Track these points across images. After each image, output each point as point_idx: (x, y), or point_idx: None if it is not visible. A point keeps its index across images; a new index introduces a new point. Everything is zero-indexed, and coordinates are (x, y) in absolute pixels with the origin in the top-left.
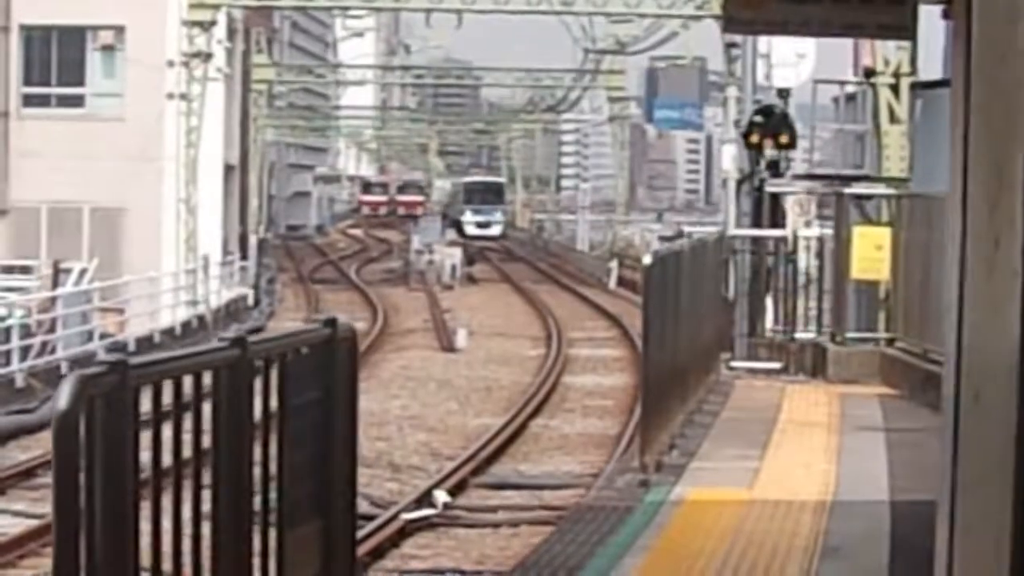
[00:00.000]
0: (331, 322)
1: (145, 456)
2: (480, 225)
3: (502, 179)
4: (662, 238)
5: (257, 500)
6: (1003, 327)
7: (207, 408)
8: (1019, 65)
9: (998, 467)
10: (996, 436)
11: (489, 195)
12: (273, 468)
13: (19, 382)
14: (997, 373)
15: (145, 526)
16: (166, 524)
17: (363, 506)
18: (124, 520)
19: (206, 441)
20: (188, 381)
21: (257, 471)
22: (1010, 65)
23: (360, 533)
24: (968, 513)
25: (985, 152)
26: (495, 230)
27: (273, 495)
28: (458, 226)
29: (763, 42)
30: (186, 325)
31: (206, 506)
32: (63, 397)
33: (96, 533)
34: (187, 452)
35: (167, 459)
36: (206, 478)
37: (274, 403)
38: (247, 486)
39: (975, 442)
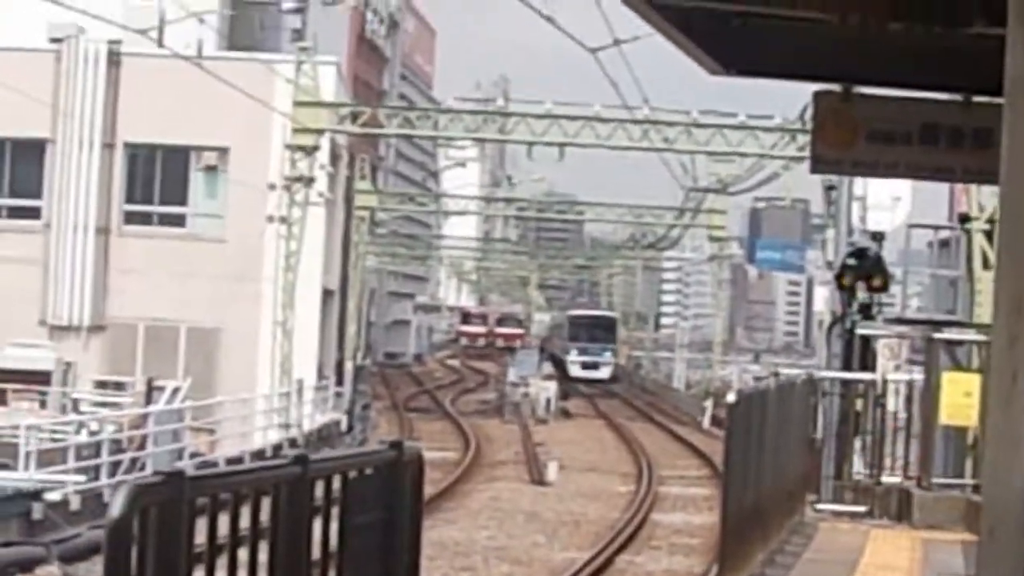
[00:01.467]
0: (397, 444)
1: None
2: (587, 366)
3: (614, 314)
4: (757, 379)
5: None
6: (1018, 463)
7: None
8: None
9: None
10: (1007, 572)
11: (598, 331)
12: None
13: (107, 497)
14: (1010, 509)
15: None
16: None
17: None
18: None
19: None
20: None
21: None
22: None
23: None
24: None
25: (1007, 287)
26: (603, 372)
27: None
28: (560, 365)
29: (860, 185)
30: (277, 448)
31: None
32: (117, 505)
33: None
34: (244, 567)
35: (222, 574)
36: None
37: (336, 524)
38: None
39: None
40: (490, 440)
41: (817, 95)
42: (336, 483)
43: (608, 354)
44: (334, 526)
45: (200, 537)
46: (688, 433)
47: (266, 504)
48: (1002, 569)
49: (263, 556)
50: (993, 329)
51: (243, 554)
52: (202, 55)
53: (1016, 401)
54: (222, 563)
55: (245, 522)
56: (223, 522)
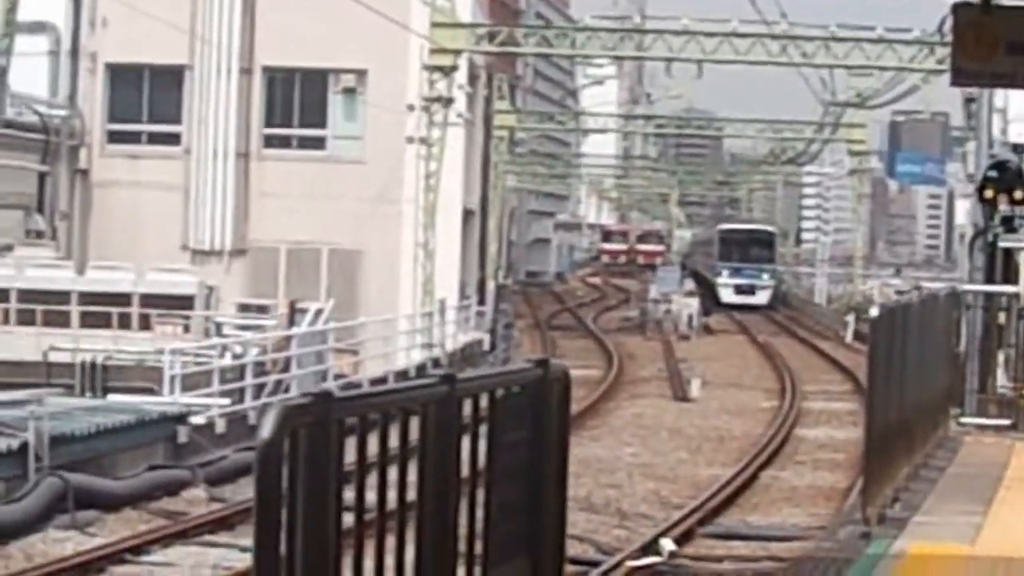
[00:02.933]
0: (543, 362)
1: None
2: (741, 290)
3: (772, 228)
4: (899, 292)
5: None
6: None
7: (415, 444)
8: None
9: None
10: None
11: (755, 249)
12: (481, 508)
13: (252, 419)
14: None
15: (347, 561)
16: (368, 564)
17: (588, 552)
18: (326, 557)
19: (412, 476)
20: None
21: (465, 508)
22: None
23: None
24: None
25: None
26: (761, 297)
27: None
28: (708, 287)
29: (1000, 97)
30: (420, 368)
31: (411, 547)
32: (267, 427)
33: (296, 570)
34: (393, 490)
35: (372, 494)
36: (412, 516)
37: (483, 442)
38: (453, 525)
39: None
40: (633, 357)
41: (957, 8)
42: (483, 402)
43: (766, 276)
44: (482, 444)
45: (349, 456)
46: (830, 348)
47: (414, 423)
48: None
49: (412, 475)
50: None
51: (392, 473)
52: None
53: None
54: (371, 482)
55: (393, 441)
56: (372, 442)
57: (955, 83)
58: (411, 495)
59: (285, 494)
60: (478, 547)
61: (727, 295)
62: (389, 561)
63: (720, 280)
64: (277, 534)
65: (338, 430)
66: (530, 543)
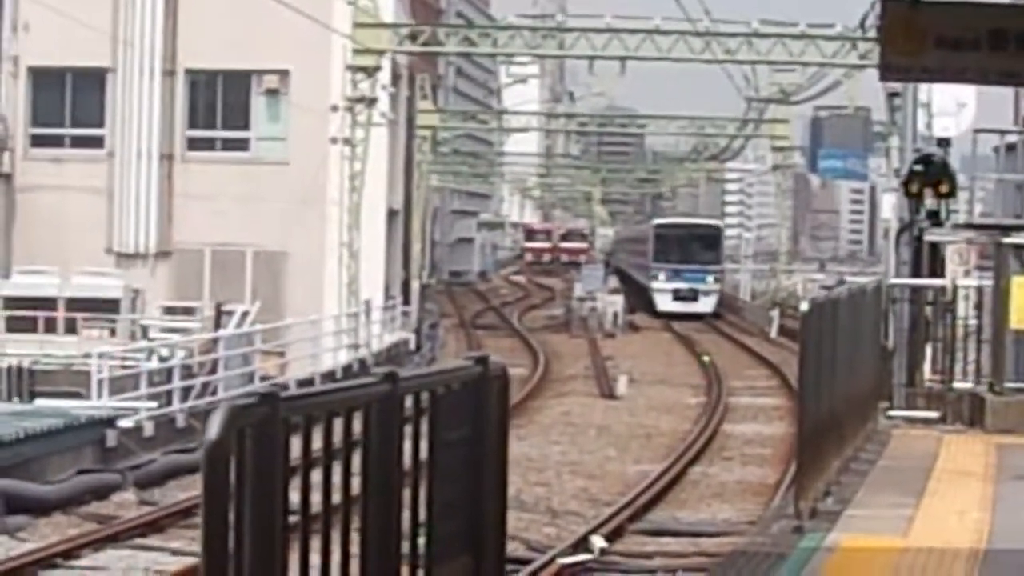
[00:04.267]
0: (482, 360)
1: (294, 490)
2: (681, 296)
3: (717, 222)
4: (824, 287)
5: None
6: None
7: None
8: None
9: None
10: None
11: (697, 247)
12: (423, 503)
13: (180, 422)
14: None
15: (294, 557)
16: (314, 560)
17: (520, 550)
18: (273, 554)
19: (356, 475)
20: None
21: (407, 506)
22: None
23: None
24: None
25: None
26: (705, 305)
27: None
28: (634, 285)
29: (924, 91)
30: (347, 369)
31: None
32: (214, 427)
33: (244, 568)
34: (337, 486)
35: (316, 492)
36: (356, 512)
37: (424, 439)
38: (397, 521)
39: None
40: (559, 355)
41: (885, 3)
42: (425, 400)
43: (711, 279)
44: (424, 441)
45: (295, 453)
46: (756, 344)
47: (358, 420)
48: None
49: (355, 471)
50: None
51: (337, 471)
52: None
53: None
54: (316, 479)
55: (337, 438)
56: (316, 438)
57: (884, 78)
58: (355, 490)
59: (232, 492)
60: (421, 544)
61: (664, 302)
62: (335, 557)
63: (655, 284)
64: (225, 532)
65: (284, 429)
66: (472, 541)
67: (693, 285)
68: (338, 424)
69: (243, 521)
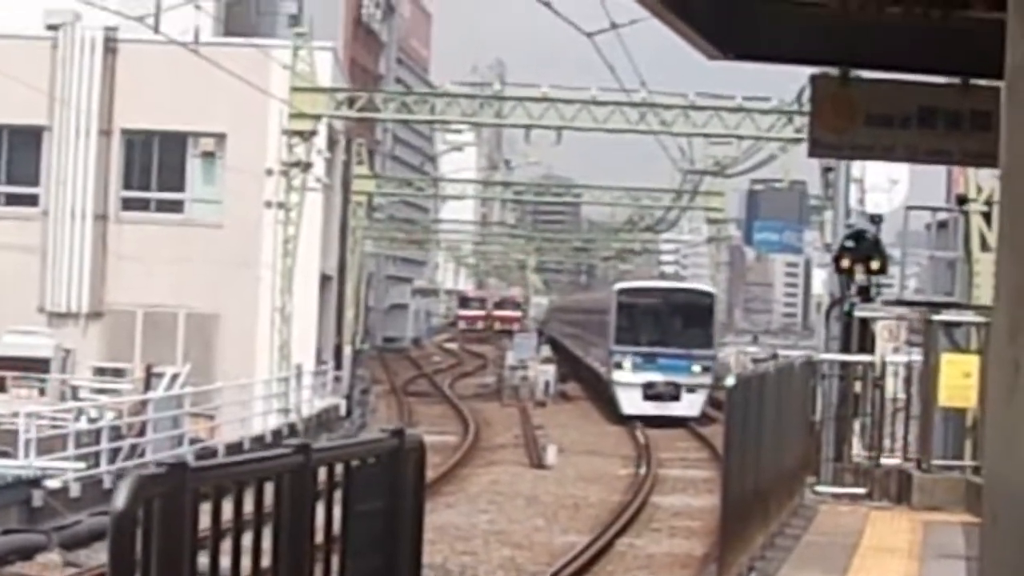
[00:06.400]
0: (398, 432)
1: (203, 561)
2: (655, 394)
3: (710, 288)
4: (756, 361)
5: None
6: (1021, 451)
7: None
8: None
9: None
10: (1010, 560)
11: (677, 322)
12: None
13: (107, 483)
14: (1014, 498)
15: None
16: None
17: None
18: None
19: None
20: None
21: None
22: None
23: None
24: None
25: (1008, 276)
26: (687, 407)
27: None
28: (598, 383)
29: (857, 167)
30: (276, 433)
31: None
32: (121, 497)
33: None
34: (247, 558)
35: (226, 565)
36: None
37: (338, 511)
38: None
39: (994, 566)
40: (489, 423)
41: (815, 79)
42: (339, 470)
43: (698, 367)
44: (337, 512)
45: (204, 521)
46: None
47: (269, 489)
48: (1006, 555)
49: (267, 543)
50: (994, 319)
51: (247, 540)
52: (198, 41)
53: (1019, 392)
54: (226, 548)
55: (248, 507)
56: (226, 508)
57: (812, 154)
58: (266, 562)
59: (139, 562)
60: None
61: (630, 402)
62: None
63: (619, 376)
64: None
65: (192, 499)
66: None
67: (673, 378)
68: (250, 495)
69: None
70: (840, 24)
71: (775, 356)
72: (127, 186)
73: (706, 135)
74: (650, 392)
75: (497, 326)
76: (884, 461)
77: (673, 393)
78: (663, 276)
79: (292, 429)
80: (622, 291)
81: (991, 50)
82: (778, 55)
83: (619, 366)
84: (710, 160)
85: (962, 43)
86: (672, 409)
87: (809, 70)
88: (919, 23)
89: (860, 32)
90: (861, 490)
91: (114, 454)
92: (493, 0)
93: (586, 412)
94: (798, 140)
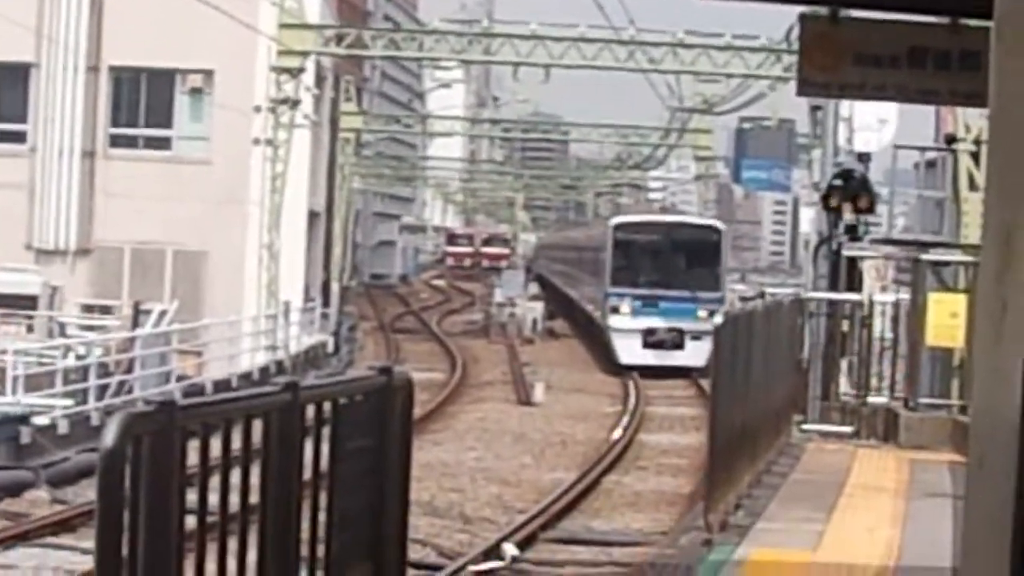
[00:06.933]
0: (387, 370)
1: (192, 498)
2: (655, 341)
3: (718, 224)
4: (743, 299)
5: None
6: (1007, 392)
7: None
8: None
9: (997, 534)
10: (995, 502)
11: (680, 261)
12: (324, 513)
13: (95, 421)
14: (999, 439)
15: (189, 566)
16: (211, 567)
17: (431, 556)
18: (167, 561)
19: (255, 484)
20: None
21: (306, 516)
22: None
23: None
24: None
25: (996, 215)
26: (693, 356)
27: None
28: (592, 329)
29: (845, 106)
30: (264, 370)
31: (253, 551)
32: (109, 435)
33: (138, 571)
34: (236, 495)
35: (214, 501)
36: (254, 523)
37: (326, 449)
38: (296, 529)
39: (979, 507)
40: (477, 361)
41: (804, 18)
42: (327, 407)
43: (703, 312)
44: (325, 450)
45: (192, 459)
46: None
47: (258, 427)
48: (992, 497)
49: (255, 480)
50: (982, 259)
51: (235, 478)
52: None
53: (1006, 332)
54: (214, 486)
55: (236, 445)
56: (215, 446)
57: (801, 93)
58: (255, 499)
59: (128, 499)
60: (321, 552)
61: (628, 350)
62: (231, 564)
63: (615, 322)
64: (119, 539)
65: (181, 437)
66: (372, 549)
67: (676, 323)
68: (238, 432)
69: (138, 527)
70: None
71: (762, 295)
72: (115, 123)
73: (694, 73)
74: (651, 339)
75: (485, 263)
76: (871, 400)
77: (676, 340)
78: (664, 210)
79: (280, 366)
80: (619, 226)
81: None
82: None
83: (616, 310)
84: (698, 98)
85: None
86: (675, 359)
87: (798, 9)
88: None
89: None
90: (848, 429)
91: (102, 391)
92: None
93: (573, 349)
94: (787, 78)
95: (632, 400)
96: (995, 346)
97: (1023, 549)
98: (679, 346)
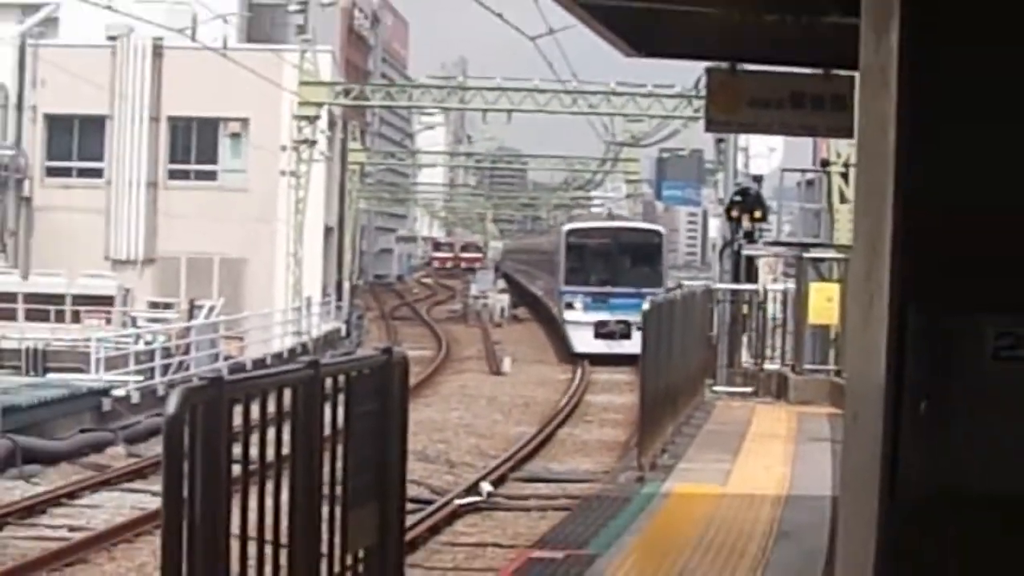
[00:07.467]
0: (387, 350)
1: (237, 451)
2: (606, 332)
3: (659, 228)
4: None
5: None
6: (875, 364)
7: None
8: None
9: (869, 472)
10: (867, 448)
11: (626, 261)
12: (340, 462)
13: (159, 392)
14: (869, 398)
15: (235, 504)
16: (252, 504)
17: (424, 493)
18: (219, 501)
19: (286, 440)
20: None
21: (327, 465)
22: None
23: (419, 515)
24: (850, 506)
25: (864, 229)
26: (638, 345)
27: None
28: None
29: (743, 138)
30: (291, 351)
31: (285, 492)
32: (172, 404)
33: (196, 512)
34: (271, 449)
35: (254, 454)
36: (286, 470)
37: (340, 412)
38: (319, 477)
39: (854, 452)
40: (457, 341)
41: (709, 71)
42: (341, 380)
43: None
44: (340, 413)
45: (237, 420)
46: None
47: (287, 395)
48: (863, 442)
49: (285, 437)
50: (853, 263)
51: (270, 435)
52: (227, 47)
53: (872, 319)
54: (254, 441)
55: (271, 409)
56: (254, 411)
57: (708, 130)
58: (286, 452)
59: (187, 453)
60: (338, 492)
61: (581, 340)
62: (268, 502)
63: (569, 315)
64: (180, 484)
65: (227, 404)
66: (378, 489)
67: (623, 316)
68: (272, 400)
69: (195, 475)
70: (729, 27)
71: (680, 286)
72: (172, 160)
73: (624, 115)
74: (601, 331)
75: (463, 265)
76: (766, 367)
77: (624, 331)
78: (611, 216)
79: (304, 348)
80: (571, 231)
81: (847, 48)
82: (680, 53)
83: (570, 306)
84: (627, 134)
85: (824, 42)
86: (623, 347)
87: (704, 64)
88: (791, 27)
89: (744, 34)
90: (748, 389)
91: (165, 369)
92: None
93: (533, 331)
94: (696, 118)
95: (580, 370)
96: (864, 329)
97: (890, 482)
98: (627, 336)
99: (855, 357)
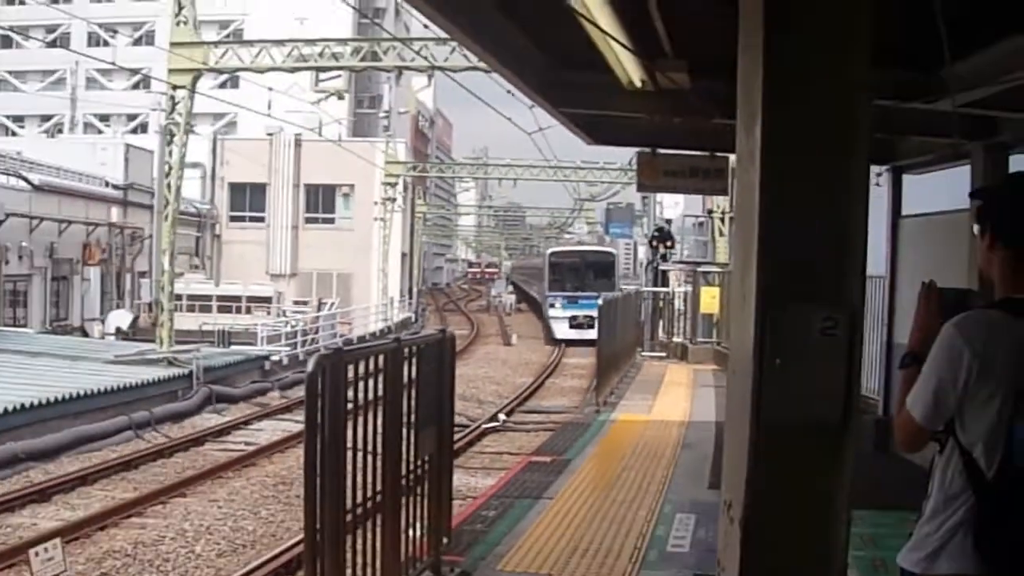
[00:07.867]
0: (442, 331)
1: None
2: (577, 324)
3: (611, 248)
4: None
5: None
6: (746, 338)
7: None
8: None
9: (743, 406)
10: (742, 391)
11: (591, 274)
12: (413, 401)
13: (300, 357)
14: (743, 359)
15: (349, 426)
16: (359, 428)
17: (463, 420)
18: (342, 425)
19: (381, 387)
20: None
21: (405, 402)
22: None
23: (458, 434)
24: (730, 428)
25: (737, 255)
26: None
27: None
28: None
29: (659, 195)
30: (381, 331)
31: (380, 418)
32: (310, 365)
33: (326, 432)
34: (371, 394)
35: (362, 396)
36: (380, 405)
37: (414, 369)
38: (401, 408)
39: (735, 396)
40: (483, 324)
41: (639, 153)
42: (414, 349)
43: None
44: (414, 370)
45: (350, 374)
46: None
47: (382, 360)
48: (740, 388)
49: (381, 385)
50: (732, 278)
51: (371, 384)
52: (341, 139)
53: (745, 310)
54: (362, 388)
55: (371, 368)
56: (360, 369)
57: (639, 190)
58: (380, 394)
59: (319, 395)
60: (413, 419)
61: (561, 330)
62: (370, 426)
63: (552, 313)
64: (316, 414)
65: (344, 365)
66: (438, 416)
67: (588, 312)
68: (372, 362)
69: (325, 409)
70: (651, 126)
71: (621, 290)
72: (307, 211)
73: (586, 181)
74: (573, 323)
75: (487, 276)
76: (674, 340)
77: (589, 323)
78: (580, 243)
79: (389, 329)
80: (553, 253)
81: (727, 139)
82: (621, 141)
83: (552, 305)
84: (588, 193)
85: (712, 136)
86: (589, 334)
87: (636, 149)
88: (691, 126)
89: (661, 130)
90: (663, 354)
91: (304, 342)
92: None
93: (531, 319)
94: (630, 183)
95: (559, 348)
96: (740, 316)
97: (756, 412)
98: (591, 327)
99: (735, 333)
